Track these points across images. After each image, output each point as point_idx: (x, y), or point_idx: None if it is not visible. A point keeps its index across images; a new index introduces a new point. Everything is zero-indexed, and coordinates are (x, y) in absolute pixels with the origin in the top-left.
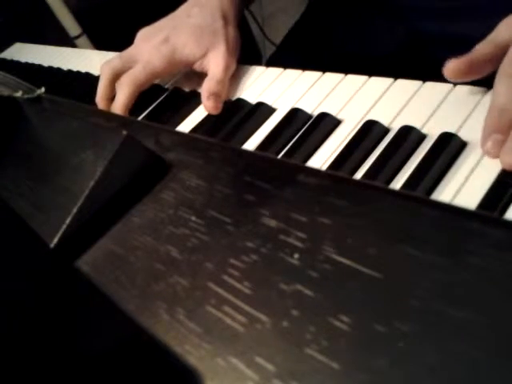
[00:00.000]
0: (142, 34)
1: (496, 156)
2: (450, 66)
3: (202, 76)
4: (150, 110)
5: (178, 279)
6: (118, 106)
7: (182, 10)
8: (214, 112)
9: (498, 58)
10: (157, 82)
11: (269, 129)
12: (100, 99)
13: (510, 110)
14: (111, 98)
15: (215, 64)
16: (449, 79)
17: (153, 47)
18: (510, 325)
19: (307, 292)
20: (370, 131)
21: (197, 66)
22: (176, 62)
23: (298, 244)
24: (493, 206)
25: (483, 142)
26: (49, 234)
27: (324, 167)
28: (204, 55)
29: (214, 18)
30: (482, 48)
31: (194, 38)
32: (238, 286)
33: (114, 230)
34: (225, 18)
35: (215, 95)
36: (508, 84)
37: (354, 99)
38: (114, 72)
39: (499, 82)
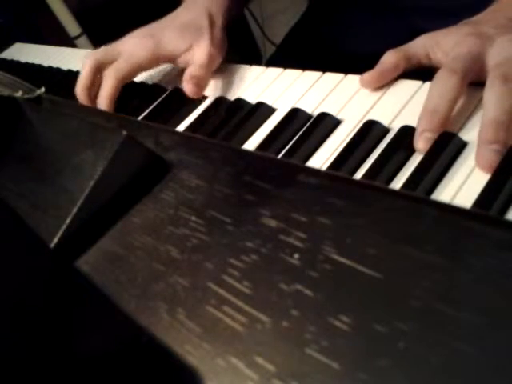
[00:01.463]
0: (130, 34)
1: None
2: (364, 78)
3: None
4: (150, 110)
5: (178, 279)
6: (103, 98)
7: (171, 13)
8: (194, 96)
9: (402, 66)
10: (157, 81)
11: (269, 129)
12: (80, 89)
13: (441, 112)
14: (90, 89)
15: (199, 53)
16: (364, 88)
17: (137, 41)
18: (510, 325)
19: (307, 292)
20: (370, 131)
21: (180, 61)
22: (159, 54)
23: (298, 244)
24: (488, 205)
25: (415, 141)
26: (49, 234)
27: (324, 167)
28: (188, 49)
29: (199, 18)
30: (390, 57)
31: (179, 32)
32: (238, 286)
33: (114, 229)
34: (211, 19)
35: (196, 78)
36: (441, 86)
37: (353, 99)
38: (96, 63)
39: (433, 85)
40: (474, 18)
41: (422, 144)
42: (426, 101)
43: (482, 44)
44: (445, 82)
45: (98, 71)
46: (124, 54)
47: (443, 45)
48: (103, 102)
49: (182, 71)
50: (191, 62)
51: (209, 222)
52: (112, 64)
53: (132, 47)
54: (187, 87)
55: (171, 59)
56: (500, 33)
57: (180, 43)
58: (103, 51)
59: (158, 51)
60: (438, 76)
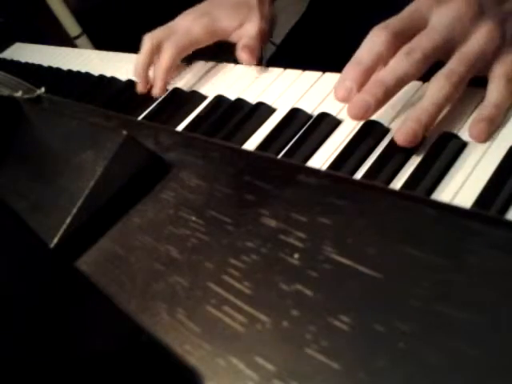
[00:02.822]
0: (182, 14)
1: (344, 101)
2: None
3: (201, 76)
4: (150, 110)
5: (178, 279)
6: (161, 68)
7: None
8: (248, 64)
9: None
10: None
11: (269, 129)
12: (139, 67)
13: (364, 63)
14: (149, 67)
15: (250, 28)
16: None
17: (193, 18)
18: (510, 325)
19: (307, 292)
20: (370, 131)
21: (234, 36)
22: (215, 30)
23: (298, 244)
24: (488, 205)
25: (335, 89)
26: (49, 234)
27: (324, 167)
28: (240, 25)
29: None
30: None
31: (231, 10)
32: (238, 285)
33: (114, 229)
34: None
35: (249, 48)
36: (369, 40)
37: None
38: (155, 41)
39: (365, 39)
40: None
41: (340, 92)
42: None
43: (428, 5)
44: (375, 37)
45: (157, 50)
46: (181, 29)
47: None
48: (160, 72)
49: (182, 71)
50: (240, 39)
51: (209, 222)
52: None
53: (189, 23)
54: (241, 55)
55: (225, 35)
56: None
57: (233, 20)
58: (161, 30)
59: (213, 28)
60: (372, 30)
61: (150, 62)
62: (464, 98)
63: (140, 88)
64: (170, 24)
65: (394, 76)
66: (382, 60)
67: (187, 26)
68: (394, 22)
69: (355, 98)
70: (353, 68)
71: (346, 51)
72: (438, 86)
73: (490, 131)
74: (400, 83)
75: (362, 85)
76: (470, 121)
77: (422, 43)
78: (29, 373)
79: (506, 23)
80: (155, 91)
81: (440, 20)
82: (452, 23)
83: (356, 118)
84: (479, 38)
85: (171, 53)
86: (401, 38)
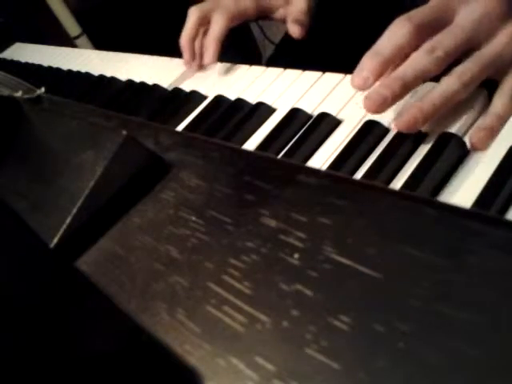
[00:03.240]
0: None
1: (360, 89)
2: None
3: (201, 76)
4: (151, 110)
5: (178, 279)
6: (213, 36)
7: None
8: (299, 36)
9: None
10: (157, 81)
11: (269, 129)
12: (185, 39)
13: (383, 54)
14: (195, 39)
15: (299, 3)
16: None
17: None
18: (510, 325)
19: (307, 292)
20: (370, 131)
21: (279, 13)
22: (262, 4)
23: (298, 244)
24: (488, 205)
25: (352, 77)
26: (49, 234)
27: (324, 167)
28: (286, 3)
29: None
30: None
31: None
32: (238, 285)
33: (114, 229)
34: None
35: (299, 21)
36: (391, 31)
37: (353, 99)
38: (202, 12)
39: (387, 29)
40: None
41: (357, 80)
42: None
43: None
44: (397, 29)
45: (204, 22)
46: (228, 1)
47: None
48: (212, 41)
49: (181, 71)
50: (289, 14)
51: (209, 222)
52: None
53: None
54: (293, 28)
55: (272, 9)
56: None
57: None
58: (206, 3)
59: (260, 1)
60: (395, 21)
61: (196, 33)
62: (464, 98)
63: (186, 60)
64: None
65: (413, 73)
66: (402, 52)
67: None
68: (418, 14)
69: (372, 91)
70: (371, 58)
71: (346, 51)
72: (449, 83)
73: (488, 141)
74: (419, 80)
75: (379, 75)
76: (470, 121)
77: (446, 41)
78: (29, 373)
79: None
80: (207, 60)
81: (467, 17)
82: (479, 21)
83: (371, 110)
84: (501, 40)
85: (222, 21)
86: (424, 31)
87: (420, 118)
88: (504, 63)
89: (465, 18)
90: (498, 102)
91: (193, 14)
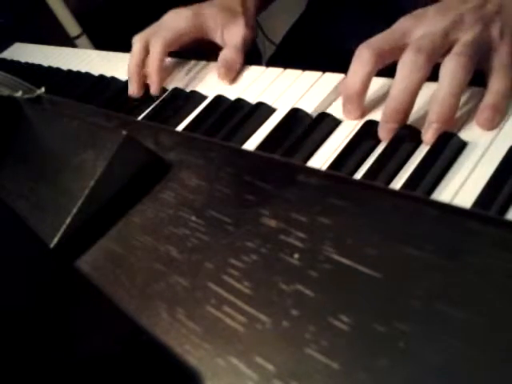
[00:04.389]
0: (169, 12)
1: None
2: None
3: (201, 76)
4: (150, 110)
5: (178, 279)
6: (152, 65)
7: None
8: (225, 81)
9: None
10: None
11: (269, 129)
12: (132, 67)
13: (355, 91)
14: (142, 66)
15: (234, 35)
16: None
17: (179, 16)
18: (510, 325)
19: (307, 292)
20: (370, 131)
21: (218, 37)
22: (200, 25)
23: (298, 244)
24: (488, 205)
25: (379, 129)
26: (49, 234)
27: (324, 167)
28: (225, 27)
29: (234, 3)
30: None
31: (217, 11)
32: (238, 285)
33: (114, 229)
34: (244, 6)
35: (227, 62)
36: (354, 68)
37: None
38: (144, 39)
39: (351, 66)
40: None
41: (385, 134)
42: (392, 88)
43: (410, 23)
44: (360, 58)
45: (147, 49)
46: (166, 25)
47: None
48: (152, 70)
49: (182, 71)
50: (227, 42)
51: (209, 222)
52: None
53: (173, 18)
54: (220, 71)
55: (209, 33)
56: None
57: (218, 20)
58: (147, 29)
59: (198, 22)
60: (357, 51)
61: (142, 63)
62: (464, 97)
63: (134, 91)
64: (156, 23)
65: (406, 91)
66: (371, 77)
67: (172, 21)
68: (377, 39)
69: (382, 128)
70: (349, 99)
71: (345, 50)
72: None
73: (495, 118)
74: (415, 93)
75: (362, 104)
76: (470, 121)
77: (424, 44)
78: (29, 373)
79: (491, 24)
80: (152, 90)
81: (424, 35)
82: (433, 39)
83: (388, 139)
84: (473, 31)
85: (159, 48)
86: (386, 54)
87: (447, 123)
88: (483, 50)
89: (423, 36)
90: (494, 80)
91: (135, 44)
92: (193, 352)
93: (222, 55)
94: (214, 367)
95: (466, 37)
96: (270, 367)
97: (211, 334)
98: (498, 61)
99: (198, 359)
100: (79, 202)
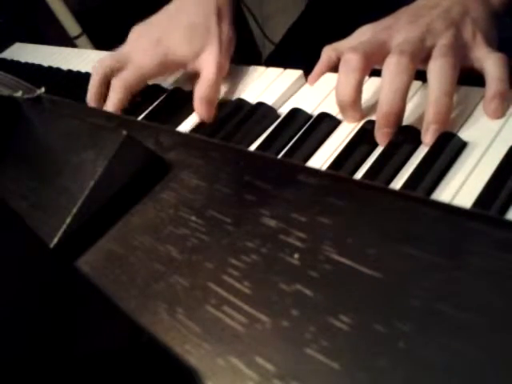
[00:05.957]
0: (135, 33)
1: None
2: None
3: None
4: (150, 110)
5: (178, 279)
6: (110, 107)
7: (176, 4)
8: (207, 119)
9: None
10: (157, 82)
11: (269, 129)
12: (90, 97)
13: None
14: (102, 98)
15: (207, 66)
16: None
17: (145, 49)
18: (510, 325)
19: (307, 292)
20: (370, 131)
21: (189, 68)
22: (168, 64)
23: (298, 244)
24: (488, 205)
25: (376, 134)
26: (49, 234)
27: (324, 167)
28: (196, 56)
29: (207, 15)
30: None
31: (187, 38)
32: (238, 285)
33: (114, 229)
34: (219, 15)
35: (206, 100)
36: (388, 74)
37: None
38: (105, 72)
39: (339, 74)
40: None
41: (381, 139)
42: (381, 93)
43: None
44: (347, 63)
45: (108, 78)
46: (132, 63)
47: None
48: (111, 109)
49: (181, 71)
50: (200, 69)
51: (209, 222)
52: (120, 72)
53: (139, 57)
54: (199, 109)
55: (180, 67)
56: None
57: (188, 51)
58: (112, 58)
59: (166, 61)
60: (343, 57)
61: (101, 91)
62: (464, 97)
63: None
64: (122, 51)
65: (396, 94)
66: (361, 83)
67: (139, 60)
68: (361, 44)
69: (378, 134)
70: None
71: None
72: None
73: (503, 106)
74: (405, 96)
75: (359, 109)
76: (470, 121)
77: (406, 47)
78: (29, 373)
79: (462, 27)
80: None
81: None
82: (413, 43)
83: (385, 143)
84: (443, 45)
85: (119, 95)
86: (371, 57)
87: (444, 123)
88: (461, 51)
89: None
90: (490, 68)
91: (95, 74)
92: (193, 352)
93: (197, 93)
94: (214, 367)
95: (442, 41)
96: (270, 367)
97: (211, 333)
98: (480, 53)
99: (197, 359)
100: (79, 202)
